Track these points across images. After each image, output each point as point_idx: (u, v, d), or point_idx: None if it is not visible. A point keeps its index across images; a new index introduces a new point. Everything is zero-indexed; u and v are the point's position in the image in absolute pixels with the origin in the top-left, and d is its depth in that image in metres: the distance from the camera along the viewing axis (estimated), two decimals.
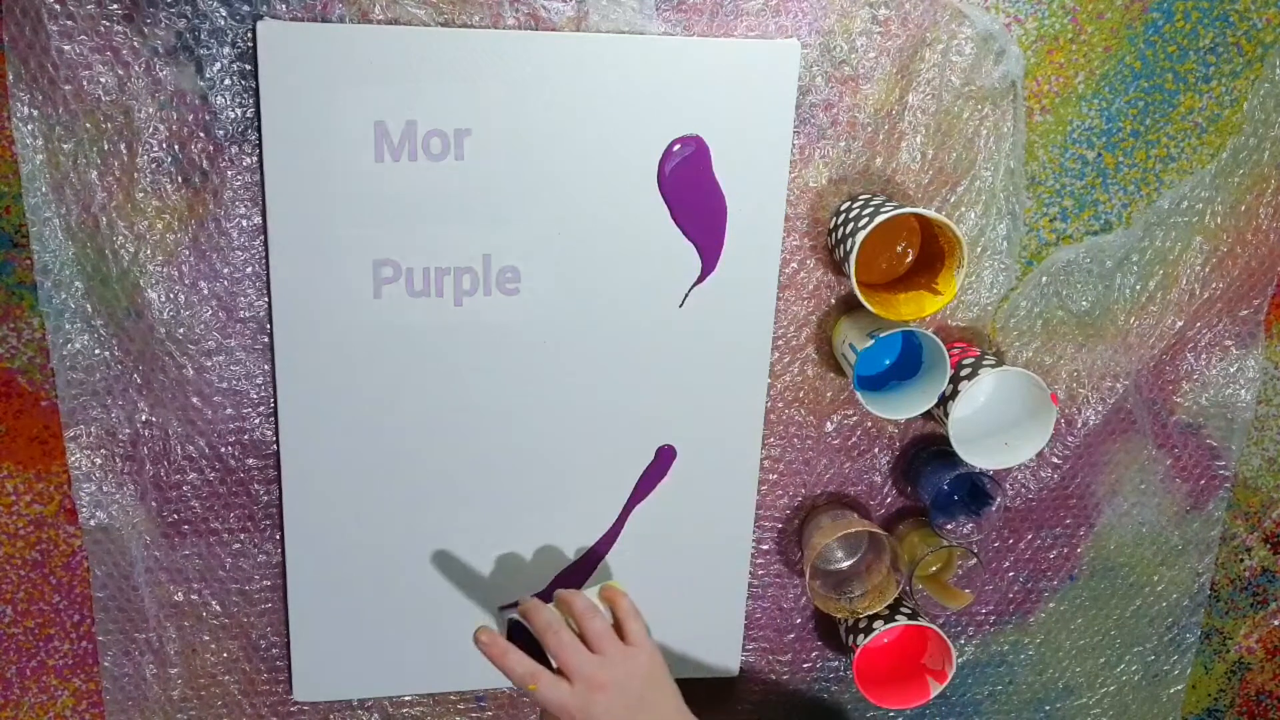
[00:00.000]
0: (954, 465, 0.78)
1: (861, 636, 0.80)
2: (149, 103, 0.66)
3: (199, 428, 0.73)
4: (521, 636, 0.66)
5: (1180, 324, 0.83)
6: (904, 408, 0.74)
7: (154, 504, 0.74)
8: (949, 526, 0.80)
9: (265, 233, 0.69)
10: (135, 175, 0.67)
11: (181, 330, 0.70)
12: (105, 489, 0.73)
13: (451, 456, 0.75)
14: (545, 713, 0.65)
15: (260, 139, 0.67)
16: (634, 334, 0.75)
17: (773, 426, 0.80)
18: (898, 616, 0.80)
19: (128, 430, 0.72)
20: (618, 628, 0.67)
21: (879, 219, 0.67)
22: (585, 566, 0.80)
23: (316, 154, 0.67)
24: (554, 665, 0.63)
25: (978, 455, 0.75)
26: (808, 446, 0.81)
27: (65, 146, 0.65)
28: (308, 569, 0.76)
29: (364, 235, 0.70)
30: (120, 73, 0.65)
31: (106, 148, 0.66)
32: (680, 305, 0.75)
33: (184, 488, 0.74)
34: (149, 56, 0.65)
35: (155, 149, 0.67)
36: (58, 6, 0.63)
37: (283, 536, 0.75)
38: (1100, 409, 0.84)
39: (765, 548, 0.83)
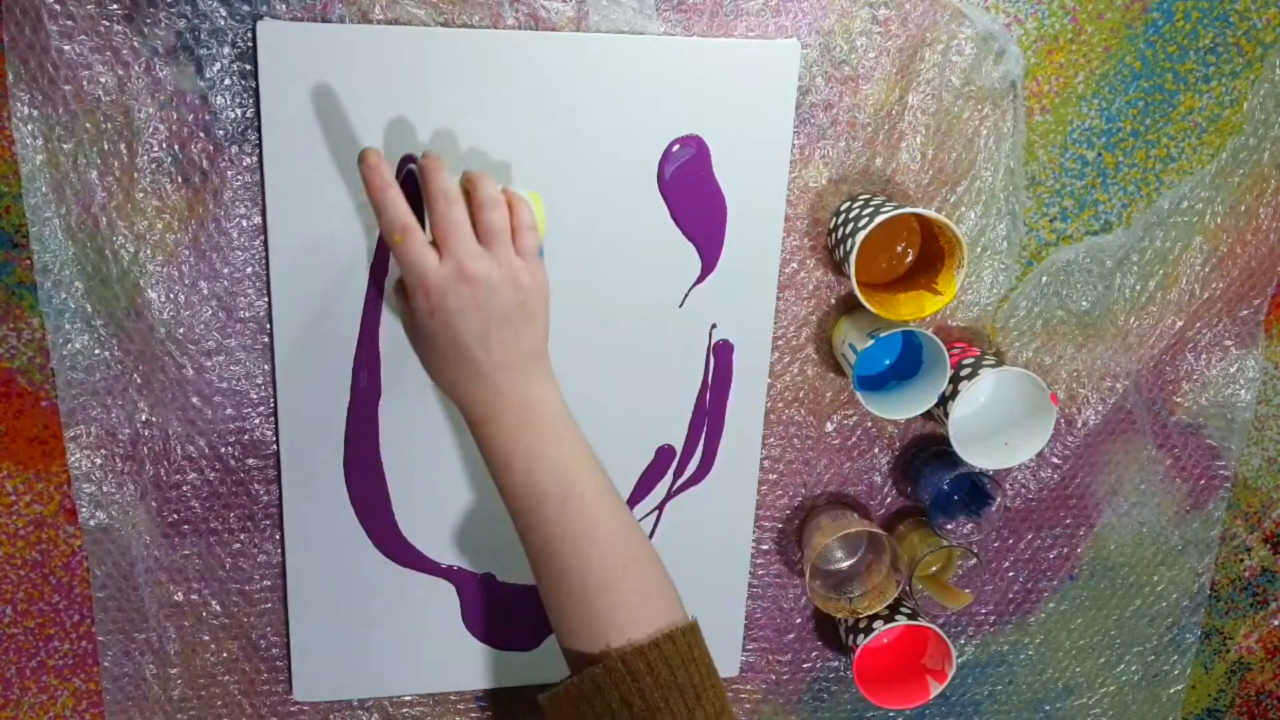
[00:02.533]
0: (954, 465, 0.78)
1: (861, 636, 0.80)
2: (149, 103, 0.66)
3: (199, 428, 0.73)
4: (410, 192, 0.58)
5: (1180, 324, 0.83)
6: (904, 408, 0.74)
7: (154, 504, 0.74)
8: (949, 526, 0.80)
9: (265, 233, 0.69)
10: (135, 175, 0.67)
11: (181, 330, 0.70)
12: (105, 489, 0.73)
13: (451, 456, 0.75)
14: (398, 285, 0.58)
15: (260, 139, 0.67)
16: (634, 334, 0.75)
17: (773, 426, 0.80)
18: (898, 616, 0.80)
19: (128, 430, 0.72)
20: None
21: (879, 219, 0.67)
22: None
23: (316, 154, 0.67)
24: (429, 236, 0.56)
25: (978, 455, 0.75)
26: (808, 446, 0.81)
27: (65, 146, 0.65)
28: (308, 569, 0.76)
29: (364, 235, 0.70)
30: (120, 73, 0.65)
31: (106, 148, 0.66)
32: (680, 305, 0.75)
33: (184, 488, 0.74)
34: (149, 56, 0.65)
35: (155, 149, 0.67)
36: (58, 6, 0.63)
37: (283, 536, 0.75)
38: (1100, 409, 0.84)
39: (765, 548, 0.83)
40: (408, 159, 0.62)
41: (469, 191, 0.58)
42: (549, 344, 0.59)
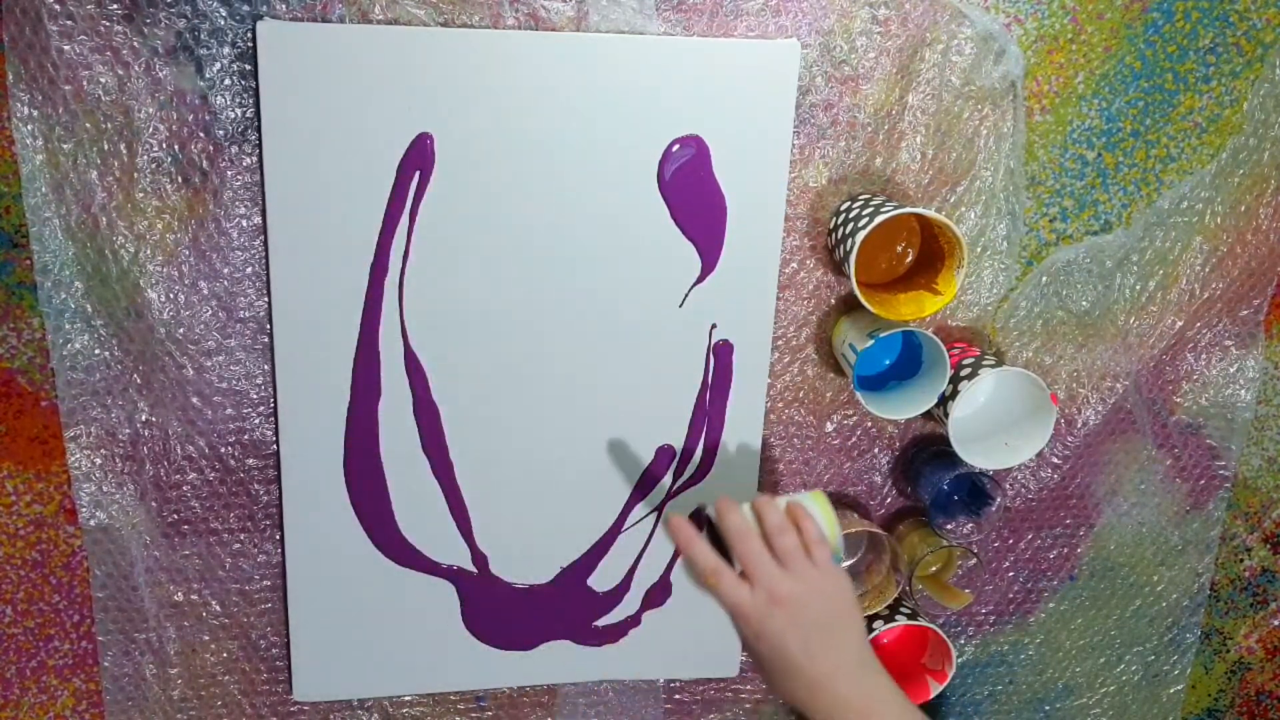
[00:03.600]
0: (954, 465, 0.78)
1: None
2: (149, 103, 0.66)
3: (199, 428, 0.73)
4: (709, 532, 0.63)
5: (1180, 324, 0.83)
6: (904, 408, 0.74)
7: (154, 504, 0.74)
8: (949, 526, 0.80)
9: (265, 233, 0.69)
10: (135, 175, 0.67)
11: (181, 330, 0.70)
12: (105, 489, 0.73)
13: (451, 456, 0.75)
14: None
15: (260, 139, 0.67)
16: (634, 334, 0.75)
17: (773, 426, 0.80)
18: (898, 616, 0.80)
19: (128, 430, 0.72)
20: None
21: (879, 219, 0.67)
22: (586, 565, 0.80)
23: (316, 154, 0.67)
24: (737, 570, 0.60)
25: (978, 455, 0.75)
26: (808, 446, 0.81)
27: (65, 146, 0.65)
28: (308, 569, 0.76)
29: (364, 235, 0.70)
30: (120, 73, 0.65)
31: (106, 148, 0.66)
32: (680, 305, 0.75)
33: (184, 488, 0.74)
34: (149, 56, 0.65)
35: (155, 149, 0.67)
36: (58, 6, 0.63)
37: (283, 536, 0.75)
38: (1100, 409, 0.84)
39: None
40: (700, 510, 0.67)
41: (759, 519, 0.63)
42: (864, 639, 0.63)
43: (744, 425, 0.79)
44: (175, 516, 0.74)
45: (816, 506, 0.65)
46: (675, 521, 0.61)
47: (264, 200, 0.68)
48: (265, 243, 0.69)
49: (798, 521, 0.64)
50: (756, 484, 0.80)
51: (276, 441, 0.73)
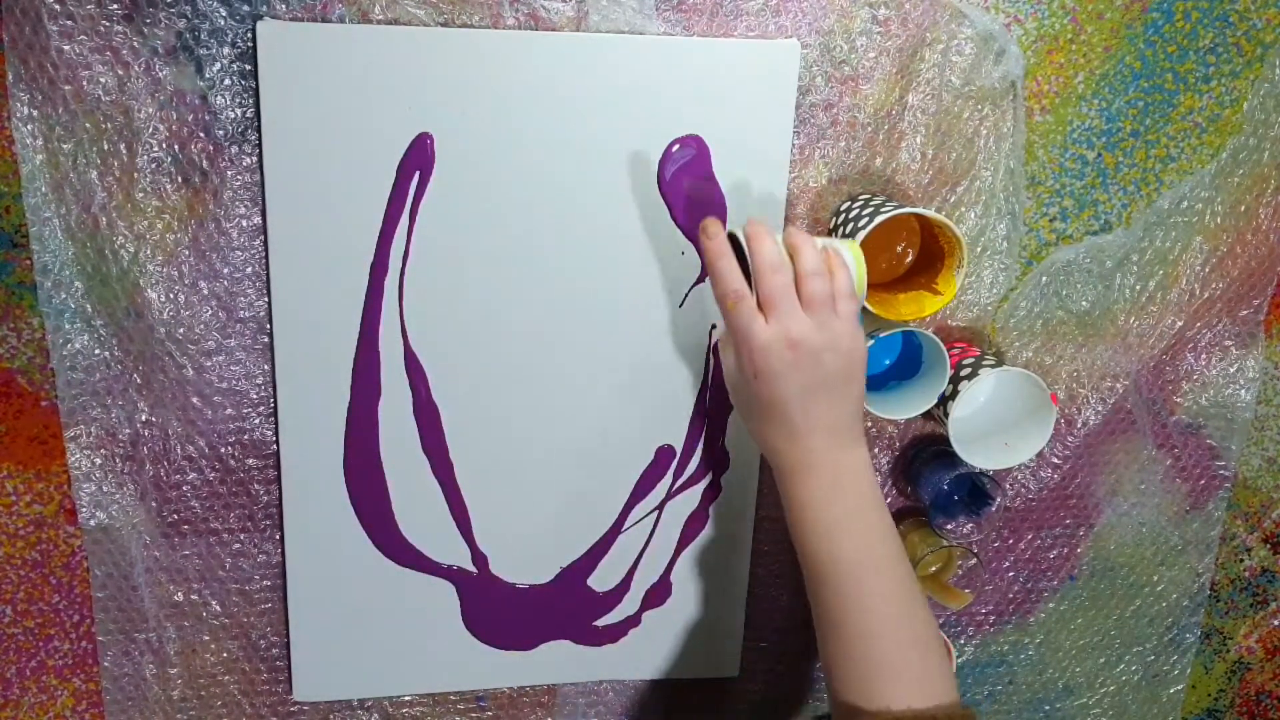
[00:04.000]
0: (954, 465, 0.78)
1: None
2: (149, 103, 0.66)
3: (199, 428, 0.73)
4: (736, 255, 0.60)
5: (1180, 324, 0.83)
6: (904, 408, 0.74)
7: (154, 504, 0.74)
8: (949, 526, 0.80)
9: (265, 233, 0.69)
10: (135, 175, 0.67)
11: (181, 330, 0.70)
12: (105, 489, 0.73)
13: (451, 456, 0.75)
14: (721, 344, 0.59)
15: (260, 139, 0.67)
16: (634, 334, 0.75)
17: None
18: None
19: (128, 430, 0.72)
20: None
21: (879, 219, 0.67)
22: (586, 565, 0.80)
23: (316, 154, 0.67)
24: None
25: (978, 455, 0.75)
26: None
27: (65, 146, 0.65)
28: (308, 569, 0.76)
29: (364, 235, 0.70)
30: (120, 73, 0.65)
31: (106, 148, 0.66)
32: (680, 305, 0.75)
33: (184, 488, 0.74)
34: (149, 56, 0.65)
35: (155, 149, 0.67)
36: (58, 6, 0.63)
37: (283, 536, 0.75)
38: (1100, 409, 0.84)
39: (765, 548, 0.83)
40: (731, 234, 0.62)
41: (792, 255, 0.59)
42: (860, 407, 0.61)
43: (744, 425, 0.78)
44: (175, 516, 0.74)
45: (851, 256, 0.61)
46: (711, 229, 0.57)
47: (264, 200, 0.68)
48: (265, 243, 0.69)
49: (832, 268, 0.60)
50: (756, 484, 0.80)
51: (276, 441, 0.73)
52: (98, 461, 0.72)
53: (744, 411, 0.60)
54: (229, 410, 0.73)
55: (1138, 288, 0.82)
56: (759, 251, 0.58)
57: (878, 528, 0.61)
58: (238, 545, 0.76)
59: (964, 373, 0.73)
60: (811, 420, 0.58)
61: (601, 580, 0.81)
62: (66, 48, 0.63)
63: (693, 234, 0.73)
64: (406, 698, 0.82)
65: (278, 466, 0.74)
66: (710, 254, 0.58)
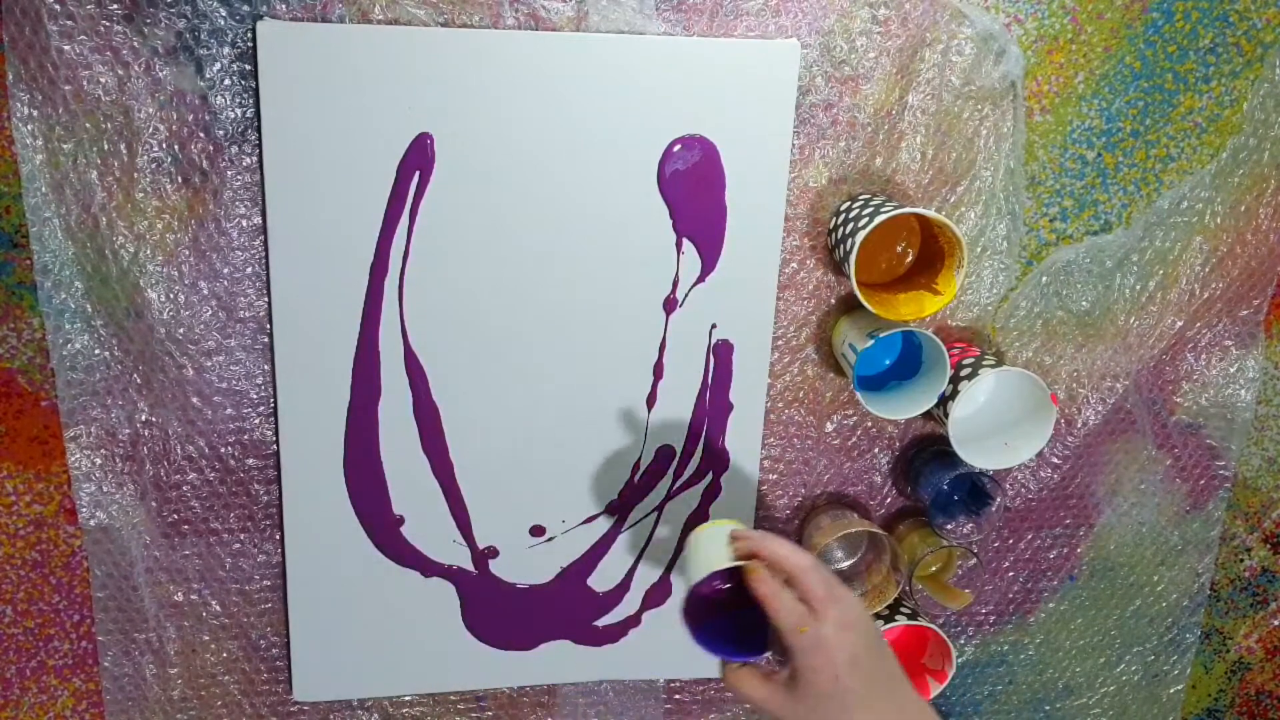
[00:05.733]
0: (954, 465, 0.78)
1: None
2: (149, 103, 0.66)
3: (199, 428, 0.73)
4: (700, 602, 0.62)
5: (1180, 324, 0.83)
6: (904, 408, 0.74)
7: (154, 504, 0.74)
8: (949, 526, 0.80)
9: (265, 233, 0.69)
10: (135, 175, 0.67)
11: (181, 330, 0.70)
12: (105, 489, 0.73)
13: (451, 456, 0.75)
14: (746, 681, 0.61)
15: (260, 139, 0.67)
16: (634, 334, 0.75)
17: (773, 426, 0.80)
18: (898, 616, 0.80)
19: (128, 430, 0.72)
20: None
21: (879, 219, 0.67)
22: (586, 565, 0.80)
23: (316, 154, 0.67)
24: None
25: (978, 455, 0.75)
26: (808, 446, 0.81)
27: (65, 146, 0.65)
28: (308, 569, 0.76)
29: (364, 235, 0.70)
30: (120, 73, 0.65)
31: (106, 148, 0.66)
32: (680, 305, 0.75)
33: (184, 488, 0.74)
34: (149, 56, 0.65)
35: (155, 149, 0.67)
36: (58, 6, 0.63)
37: (283, 536, 0.75)
38: (1100, 409, 0.84)
39: None
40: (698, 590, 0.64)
41: (779, 565, 0.61)
42: None
43: (744, 425, 0.79)
44: (175, 516, 0.74)
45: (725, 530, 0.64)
46: (761, 574, 0.59)
47: (264, 200, 0.68)
48: (265, 243, 0.69)
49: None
50: (756, 484, 0.80)
51: (276, 441, 0.73)
52: (98, 461, 0.72)
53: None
54: (229, 410, 0.73)
55: (1138, 288, 0.82)
56: (791, 562, 0.60)
57: None
58: (238, 545, 0.76)
59: (964, 373, 0.73)
60: (887, 679, 0.61)
61: (601, 580, 0.81)
62: (66, 48, 0.63)
63: (693, 234, 0.73)
64: (406, 698, 0.82)
65: (278, 466, 0.74)
66: (765, 596, 0.59)
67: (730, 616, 0.65)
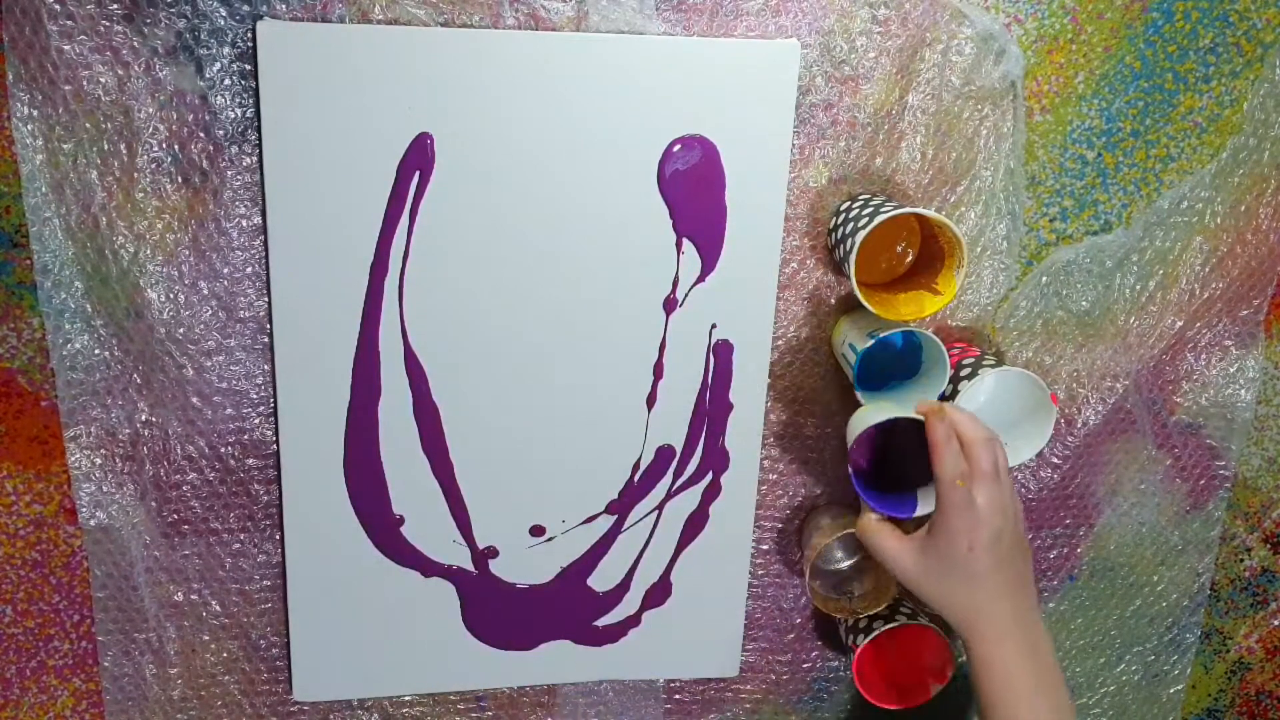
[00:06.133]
0: None
1: (861, 636, 0.80)
2: (149, 103, 0.66)
3: (199, 428, 0.73)
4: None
5: (1180, 324, 0.83)
6: (904, 408, 0.74)
7: (154, 504, 0.74)
8: None
9: (265, 233, 0.69)
10: (135, 175, 0.67)
11: (181, 330, 0.70)
12: (105, 489, 0.73)
13: (451, 456, 0.75)
14: (877, 534, 0.64)
15: (260, 139, 0.67)
16: (634, 334, 0.75)
17: (773, 426, 0.80)
18: (898, 616, 0.80)
19: (128, 430, 0.72)
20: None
21: (879, 219, 0.67)
22: (586, 565, 0.80)
23: (316, 154, 0.67)
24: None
25: None
26: (808, 446, 0.81)
27: (65, 146, 0.65)
28: (308, 569, 0.76)
29: (364, 235, 0.70)
30: (120, 73, 0.65)
31: (106, 148, 0.66)
32: (680, 305, 0.75)
33: (184, 488, 0.74)
34: (149, 56, 0.65)
35: (155, 149, 0.67)
36: (58, 6, 0.63)
37: (283, 536, 0.75)
38: (1100, 409, 0.84)
39: (765, 548, 0.83)
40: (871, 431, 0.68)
41: (956, 428, 0.64)
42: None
43: (744, 425, 0.79)
44: (175, 516, 0.74)
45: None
46: (935, 409, 0.61)
47: (264, 200, 0.68)
48: (265, 243, 0.69)
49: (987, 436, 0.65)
50: (756, 484, 0.80)
51: (276, 441, 0.73)
52: (98, 461, 0.72)
53: (945, 591, 0.63)
54: (229, 410, 0.73)
55: (1138, 288, 0.82)
56: (969, 429, 0.63)
57: (1063, 691, 0.66)
58: (238, 545, 0.76)
59: (964, 373, 0.73)
60: (1016, 578, 0.62)
61: (601, 580, 0.81)
62: (66, 48, 0.63)
63: (693, 234, 0.73)
64: (406, 698, 0.82)
65: (278, 466, 0.74)
66: (936, 437, 0.62)
67: (884, 478, 0.71)
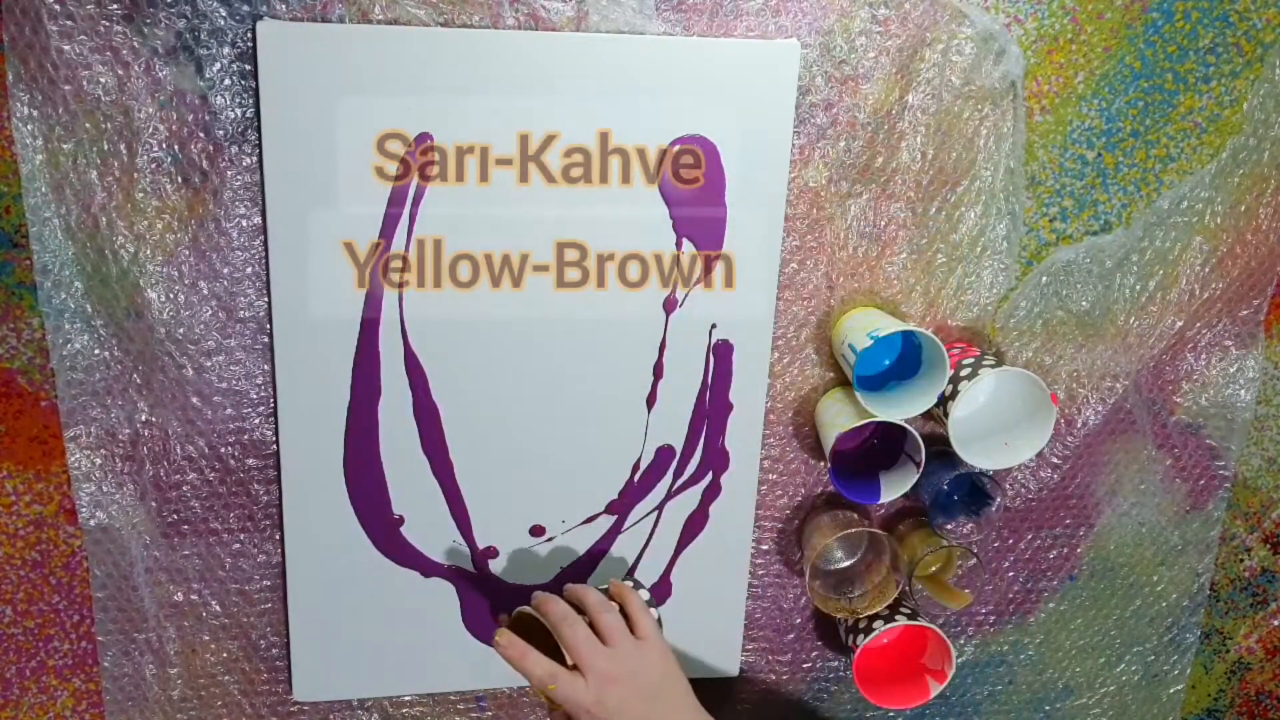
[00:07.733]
0: (954, 465, 0.78)
1: (861, 636, 0.80)
2: (149, 103, 0.66)
3: (199, 428, 0.73)
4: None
5: (1180, 324, 0.83)
6: (904, 408, 0.74)
7: (154, 504, 0.74)
8: (949, 526, 0.80)
9: (265, 233, 0.69)
10: (135, 175, 0.67)
11: (181, 330, 0.70)
12: (105, 489, 0.73)
13: (450, 456, 0.75)
14: (554, 713, 0.66)
15: (260, 139, 0.67)
16: (633, 334, 0.75)
17: (773, 426, 0.80)
18: (898, 616, 0.80)
19: (128, 430, 0.72)
20: (628, 623, 0.67)
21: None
22: (586, 565, 0.80)
23: (316, 154, 0.67)
24: (567, 660, 0.64)
25: (978, 455, 0.75)
26: (808, 446, 0.81)
27: (65, 146, 0.65)
28: (308, 569, 0.76)
29: (364, 235, 0.70)
30: (120, 73, 0.65)
31: (106, 148, 0.66)
32: (680, 305, 0.75)
33: (184, 488, 0.74)
34: (149, 56, 0.65)
35: (155, 149, 0.67)
36: (58, 6, 0.63)
37: (283, 536, 0.75)
38: (1100, 409, 0.84)
39: (765, 548, 0.83)
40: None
41: (577, 606, 0.67)
42: (692, 695, 0.69)
43: (744, 425, 0.79)
44: (175, 516, 0.74)
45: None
46: (504, 641, 0.64)
47: (264, 200, 0.68)
48: (265, 243, 0.69)
49: (621, 596, 0.69)
50: (756, 484, 0.80)
51: (276, 441, 0.73)
52: (98, 461, 0.72)
53: None
54: (229, 410, 0.73)
55: (1138, 288, 0.82)
56: (552, 614, 0.65)
57: None
58: (238, 545, 0.76)
59: (964, 373, 0.73)
60: None
61: (601, 580, 0.81)
62: (66, 48, 0.63)
63: (693, 234, 0.73)
64: (406, 698, 0.82)
65: (278, 466, 0.74)
66: (513, 659, 0.64)
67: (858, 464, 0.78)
